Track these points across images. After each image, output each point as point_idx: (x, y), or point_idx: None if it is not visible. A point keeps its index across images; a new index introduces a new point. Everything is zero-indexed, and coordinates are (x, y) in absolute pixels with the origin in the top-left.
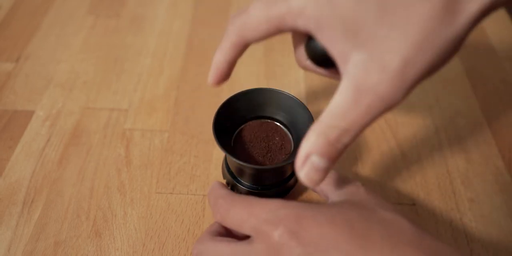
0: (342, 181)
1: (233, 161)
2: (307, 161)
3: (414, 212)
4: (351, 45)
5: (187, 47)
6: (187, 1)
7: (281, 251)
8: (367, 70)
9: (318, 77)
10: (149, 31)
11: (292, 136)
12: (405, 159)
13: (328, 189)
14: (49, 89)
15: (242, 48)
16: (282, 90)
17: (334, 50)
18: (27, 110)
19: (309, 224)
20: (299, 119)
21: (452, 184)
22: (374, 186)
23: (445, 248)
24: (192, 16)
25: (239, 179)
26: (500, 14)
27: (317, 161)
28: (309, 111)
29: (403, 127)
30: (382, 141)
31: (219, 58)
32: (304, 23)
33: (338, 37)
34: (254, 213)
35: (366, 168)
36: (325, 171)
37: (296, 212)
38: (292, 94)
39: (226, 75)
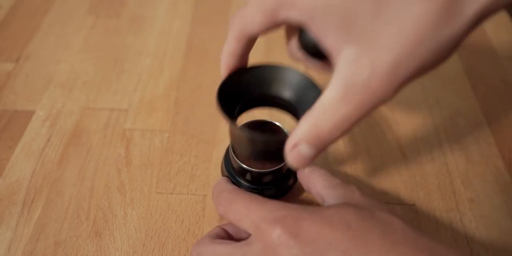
0: (337, 185)
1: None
2: (295, 148)
3: (414, 212)
4: (344, 39)
5: (187, 47)
6: (187, 1)
7: (279, 251)
8: (358, 66)
9: (318, 76)
10: (149, 31)
11: (299, 118)
12: (405, 159)
13: (324, 193)
14: (49, 89)
15: (245, 41)
16: (293, 67)
17: (326, 42)
18: (27, 110)
19: (307, 225)
20: (309, 98)
21: (452, 184)
22: (374, 186)
23: (441, 247)
24: (192, 16)
25: (238, 178)
26: (500, 14)
27: (304, 149)
28: (320, 89)
29: (403, 127)
30: (382, 141)
31: (225, 51)
32: (296, 15)
33: (331, 30)
34: (254, 210)
35: (366, 168)
36: (310, 159)
37: (294, 213)
38: (303, 72)
39: (234, 67)
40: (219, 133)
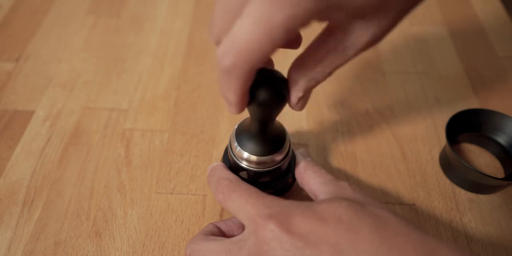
0: (329, 182)
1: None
2: (301, 99)
3: (414, 212)
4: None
5: (188, 46)
6: (187, 0)
7: (272, 245)
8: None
9: None
10: (149, 30)
11: None
12: (405, 159)
13: (316, 189)
14: (50, 89)
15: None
16: None
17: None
18: (27, 110)
19: (299, 220)
20: None
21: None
22: (374, 186)
23: (433, 241)
24: (193, 16)
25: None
26: (500, 14)
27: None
28: None
29: (403, 127)
30: (382, 141)
31: (233, 99)
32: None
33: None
34: (251, 204)
35: (366, 168)
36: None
37: (288, 209)
38: None
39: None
40: (219, 133)
